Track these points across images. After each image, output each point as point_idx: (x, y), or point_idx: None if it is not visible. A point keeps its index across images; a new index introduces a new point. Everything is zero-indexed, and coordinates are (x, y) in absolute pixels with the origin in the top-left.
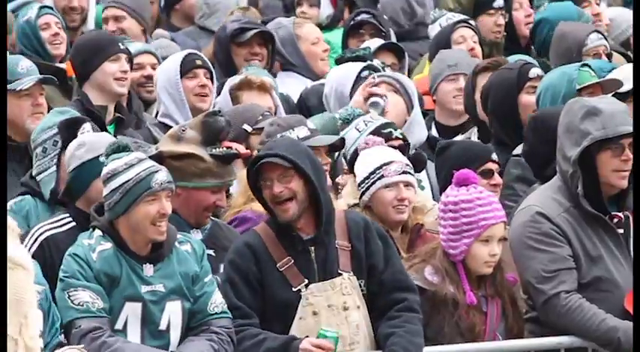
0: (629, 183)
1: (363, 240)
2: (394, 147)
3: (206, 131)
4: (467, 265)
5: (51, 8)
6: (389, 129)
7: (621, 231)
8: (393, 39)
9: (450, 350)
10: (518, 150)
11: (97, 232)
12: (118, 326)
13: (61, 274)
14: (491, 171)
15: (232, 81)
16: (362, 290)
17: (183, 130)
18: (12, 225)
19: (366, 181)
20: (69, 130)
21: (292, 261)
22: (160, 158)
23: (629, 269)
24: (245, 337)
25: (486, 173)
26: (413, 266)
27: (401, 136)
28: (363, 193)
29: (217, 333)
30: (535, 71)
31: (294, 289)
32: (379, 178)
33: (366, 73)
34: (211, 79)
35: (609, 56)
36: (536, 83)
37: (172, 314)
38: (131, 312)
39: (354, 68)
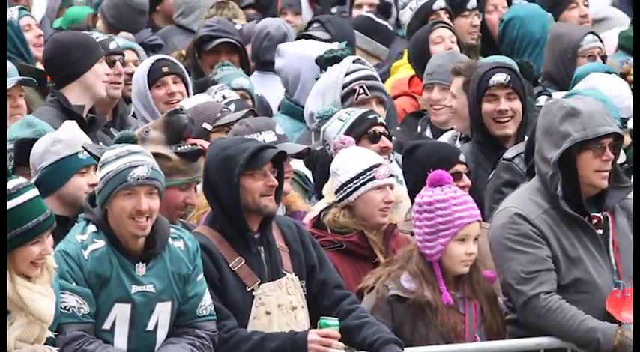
0: (609, 183)
1: (300, 242)
2: (379, 134)
3: (169, 130)
4: (443, 265)
5: (26, 9)
6: (373, 115)
7: (600, 231)
8: None
9: (432, 351)
10: (509, 153)
11: (91, 228)
12: (106, 326)
13: None
14: (459, 173)
15: None
16: (303, 291)
17: (147, 131)
18: (51, 263)
19: (355, 182)
20: (24, 150)
21: (244, 261)
22: None
23: (609, 271)
24: (240, 341)
25: (454, 175)
26: (390, 274)
27: (384, 121)
28: (349, 193)
29: (200, 337)
30: (495, 78)
31: (247, 288)
32: (370, 180)
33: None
34: (184, 81)
35: (603, 58)
36: (495, 91)
37: (161, 314)
38: (120, 313)
39: (336, 71)
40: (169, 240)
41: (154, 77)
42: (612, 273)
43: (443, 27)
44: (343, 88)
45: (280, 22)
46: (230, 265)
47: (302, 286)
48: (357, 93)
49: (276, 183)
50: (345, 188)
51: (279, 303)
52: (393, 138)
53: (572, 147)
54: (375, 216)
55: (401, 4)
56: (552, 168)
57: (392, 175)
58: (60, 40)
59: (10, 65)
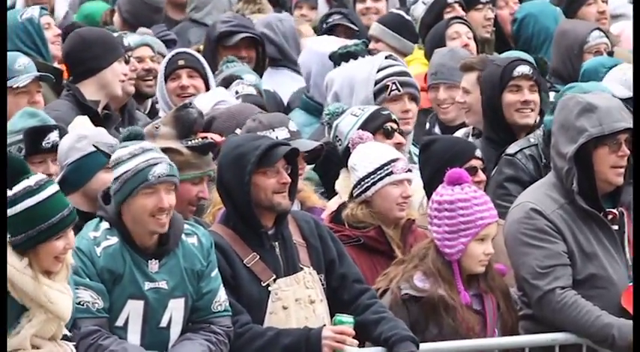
0: (624, 180)
1: (317, 237)
2: (392, 130)
3: (179, 124)
4: (462, 264)
5: (46, 9)
6: (387, 112)
7: (616, 227)
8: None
9: (444, 347)
10: (511, 149)
11: (104, 224)
12: (119, 323)
13: None
14: (474, 168)
15: None
16: (322, 285)
17: (157, 127)
18: (69, 260)
19: (372, 177)
20: (34, 139)
21: (258, 257)
22: None
23: (624, 266)
24: (254, 336)
25: (470, 170)
26: (404, 274)
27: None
28: (366, 188)
29: (216, 333)
30: (520, 69)
31: (263, 284)
32: (388, 174)
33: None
34: (201, 75)
35: (610, 54)
36: (520, 82)
37: (175, 311)
38: (133, 310)
39: (368, 66)
40: (183, 236)
41: (170, 69)
42: (627, 269)
43: (459, 22)
44: (375, 84)
45: (276, 19)
46: (244, 261)
47: (321, 280)
48: (389, 90)
49: (289, 180)
50: (362, 183)
51: (296, 298)
52: None
53: (589, 142)
54: (393, 211)
55: (411, 0)
56: (568, 163)
57: (409, 170)
58: (82, 35)
59: (28, 61)
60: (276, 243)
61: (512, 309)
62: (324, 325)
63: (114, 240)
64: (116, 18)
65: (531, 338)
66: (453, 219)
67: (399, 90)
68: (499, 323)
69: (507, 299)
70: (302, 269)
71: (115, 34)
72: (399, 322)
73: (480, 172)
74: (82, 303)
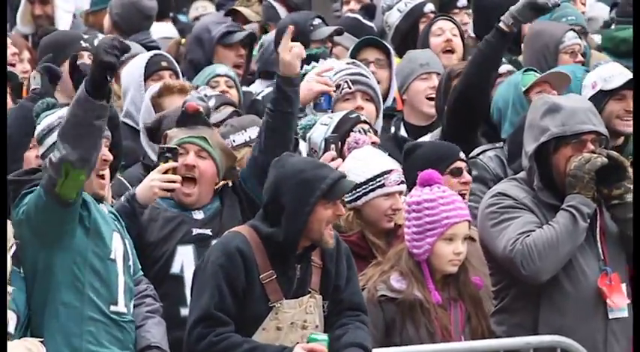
0: None
1: (335, 260)
2: (365, 131)
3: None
4: (431, 264)
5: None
6: (355, 114)
7: (585, 224)
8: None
9: (421, 350)
10: (475, 152)
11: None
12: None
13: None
14: (459, 169)
15: (152, 89)
16: (323, 311)
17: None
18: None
19: (364, 187)
20: None
21: (275, 276)
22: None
23: (595, 258)
24: (229, 346)
25: (455, 171)
26: (381, 274)
27: (367, 120)
28: (357, 197)
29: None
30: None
31: (270, 304)
32: (379, 186)
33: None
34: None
35: (584, 55)
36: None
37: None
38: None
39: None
40: None
41: (152, 69)
42: (599, 261)
43: (444, 19)
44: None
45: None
46: (260, 276)
47: (323, 306)
48: (341, 88)
49: (344, 212)
50: (353, 191)
51: (292, 321)
52: None
53: (550, 141)
54: (381, 222)
55: (385, 6)
56: (529, 161)
57: (402, 182)
58: (40, 44)
59: None
60: (299, 266)
61: (484, 317)
62: (297, 343)
63: None
64: (106, 20)
65: (505, 342)
66: (420, 220)
67: (350, 88)
68: (468, 330)
69: (478, 307)
70: (309, 292)
71: (86, 36)
72: (361, 333)
73: (465, 173)
74: None
